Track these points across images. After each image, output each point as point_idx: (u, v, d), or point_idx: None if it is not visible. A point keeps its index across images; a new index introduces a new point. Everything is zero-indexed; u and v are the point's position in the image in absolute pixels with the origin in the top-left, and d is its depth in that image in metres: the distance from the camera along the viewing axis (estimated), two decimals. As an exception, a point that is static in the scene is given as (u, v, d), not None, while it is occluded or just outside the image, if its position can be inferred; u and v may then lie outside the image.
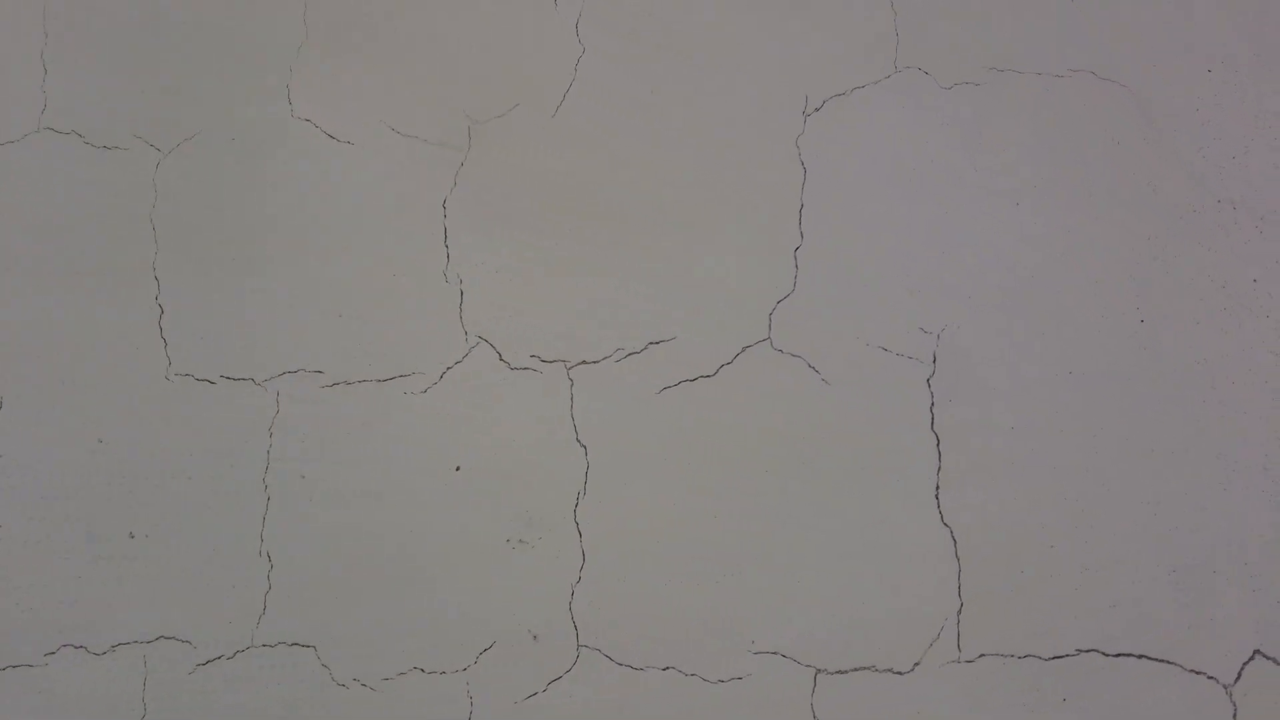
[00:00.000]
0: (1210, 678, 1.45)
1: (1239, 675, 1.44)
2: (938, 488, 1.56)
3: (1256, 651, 1.45)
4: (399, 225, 1.80)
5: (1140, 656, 1.46)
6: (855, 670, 1.54)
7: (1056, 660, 1.49)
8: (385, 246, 1.79)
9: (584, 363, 1.69)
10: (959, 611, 1.53)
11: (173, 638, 1.71)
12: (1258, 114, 1.68)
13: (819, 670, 1.56)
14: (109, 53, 2.01)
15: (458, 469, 1.69)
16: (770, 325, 1.66)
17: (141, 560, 1.80)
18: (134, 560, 1.81)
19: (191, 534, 1.75)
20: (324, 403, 1.74)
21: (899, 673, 1.53)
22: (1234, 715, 1.43)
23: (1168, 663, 1.46)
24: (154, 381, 1.85)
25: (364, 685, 1.64)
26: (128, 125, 1.97)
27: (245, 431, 1.74)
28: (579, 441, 1.67)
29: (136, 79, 2.00)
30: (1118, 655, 1.48)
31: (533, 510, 1.66)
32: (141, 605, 1.78)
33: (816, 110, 1.76)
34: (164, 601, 1.77)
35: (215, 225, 1.91)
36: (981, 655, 1.50)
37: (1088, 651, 1.48)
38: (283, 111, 1.86)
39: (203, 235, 1.91)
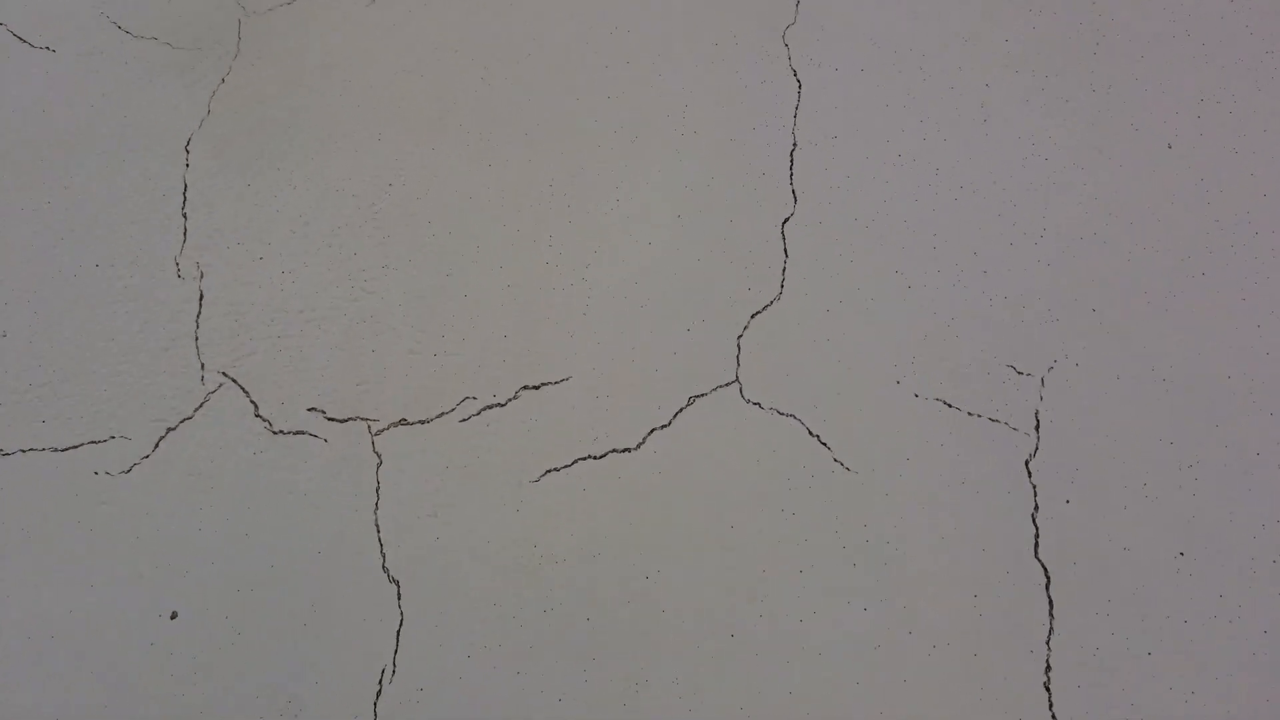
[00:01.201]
0: None
1: None
2: (1048, 665, 0.82)
3: None
4: (112, 182, 1.08)
5: None
6: None
7: None
8: (86, 216, 1.07)
9: (403, 423, 0.96)
10: None
11: None
12: None
13: None
14: None
15: (174, 616, 0.94)
16: (738, 359, 0.92)
17: None
18: None
19: None
20: (-36, 488, 1.04)
21: None
22: None
23: None
24: None
25: None
26: None
27: None
28: (388, 574, 0.91)
29: None
30: None
31: (300, 699, 0.90)
32: None
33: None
34: None
35: None
36: None
37: None
38: (-45, 5, 1.18)
39: None
